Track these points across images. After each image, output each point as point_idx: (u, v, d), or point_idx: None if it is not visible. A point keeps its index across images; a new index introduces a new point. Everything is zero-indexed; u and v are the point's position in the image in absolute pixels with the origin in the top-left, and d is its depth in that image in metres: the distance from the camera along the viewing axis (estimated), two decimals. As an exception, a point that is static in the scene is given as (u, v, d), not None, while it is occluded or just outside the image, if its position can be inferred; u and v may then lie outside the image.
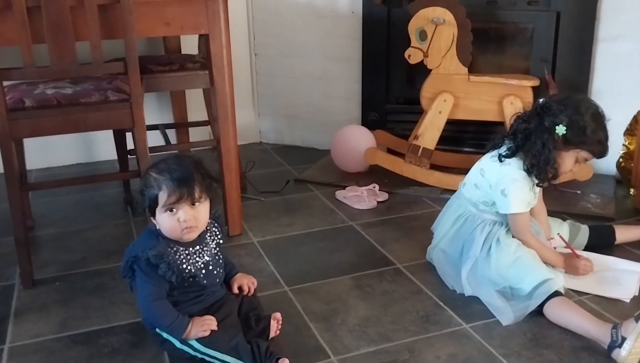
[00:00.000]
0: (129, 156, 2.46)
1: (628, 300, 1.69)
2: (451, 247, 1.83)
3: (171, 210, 1.39)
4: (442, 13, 2.39)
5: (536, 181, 1.71)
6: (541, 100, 1.76)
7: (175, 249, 1.42)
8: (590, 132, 1.64)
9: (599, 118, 1.67)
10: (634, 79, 2.41)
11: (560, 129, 1.64)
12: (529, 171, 1.69)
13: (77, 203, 2.51)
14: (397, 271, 1.90)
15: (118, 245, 2.11)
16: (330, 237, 2.15)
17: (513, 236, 1.74)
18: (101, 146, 2.96)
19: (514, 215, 1.71)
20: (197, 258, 1.45)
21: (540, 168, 1.67)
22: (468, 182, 1.84)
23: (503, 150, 1.73)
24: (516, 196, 1.69)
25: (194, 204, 1.41)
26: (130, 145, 2.32)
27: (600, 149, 1.68)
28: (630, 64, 2.46)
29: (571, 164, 1.70)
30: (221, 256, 1.53)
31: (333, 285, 1.82)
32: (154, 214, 1.42)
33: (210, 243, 1.50)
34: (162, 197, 1.38)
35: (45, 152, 2.89)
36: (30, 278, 1.85)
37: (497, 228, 1.75)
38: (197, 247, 1.46)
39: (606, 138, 1.68)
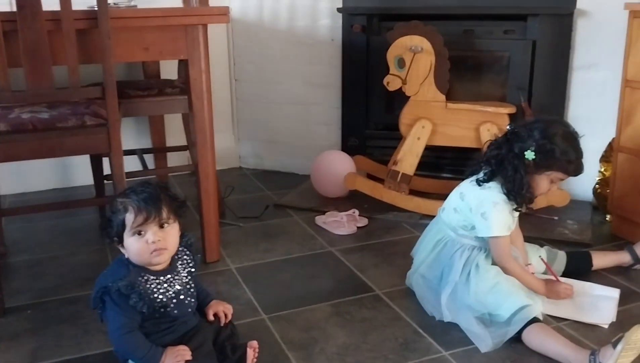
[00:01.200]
0: (105, 181, 2.43)
1: (606, 326, 1.69)
2: (430, 272, 1.83)
3: (139, 233, 1.36)
4: (419, 41, 2.43)
5: (514, 206, 1.72)
6: (509, 126, 1.78)
7: (146, 278, 1.39)
8: (559, 154, 1.66)
9: (568, 138, 1.69)
10: (609, 107, 2.46)
11: (529, 155, 1.66)
12: (507, 195, 1.70)
13: (52, 229, 2.46)
14: (377, 297, 1.88)
15: (93, 272, 2.05)
16: (309, 263, 2.14)
17: (493, 262, 1.74)
18: (78, 171, 2.92)
19: (496, 239, 1.71)
20: (169, 287, 1.41)
21: (516, 193, 1.68)
22: (447, 206, 1.84)
23: (481, 175, 1.75)
24: (497, 219, 1.70)
25: (162, 227, 1.38)
26: (107, 170, 2.29)
27: (573, 168, 1.70)
28: (604, 92, 2.51)
29: (546, 186, 1.72)
30: (193, 285, 1.50)
31: (312, 312, 1.80)
32: (122, 241, 1.39)
33: (181, 271, 1.47)
34: (129, 219, 1.35)
35: (20, 177, 2.84)
36: (2, 306, 1.80)
37: (476, 253, 1.75)
38: (169, 276, 1.43)
39: (578, 156, 1.69)
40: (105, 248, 2.28)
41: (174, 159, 3.03)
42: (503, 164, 1.69)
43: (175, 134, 2.98)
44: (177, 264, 1.47)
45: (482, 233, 1.72)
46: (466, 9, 2.66)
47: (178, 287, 1.44)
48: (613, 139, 2.34)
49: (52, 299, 1.89)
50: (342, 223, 2.43)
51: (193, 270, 1.50)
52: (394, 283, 1.96)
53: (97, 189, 2.46)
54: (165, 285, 1.41)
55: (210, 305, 1.55)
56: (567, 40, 2.54)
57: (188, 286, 1.47)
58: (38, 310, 1.83)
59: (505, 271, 1.72)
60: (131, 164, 2.37)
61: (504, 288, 1.67)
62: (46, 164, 2.88)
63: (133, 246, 1.37)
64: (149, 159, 2.93)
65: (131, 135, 2.97)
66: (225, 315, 1.54)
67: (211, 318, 1.52)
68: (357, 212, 2.51)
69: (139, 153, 2.67)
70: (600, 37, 2.49)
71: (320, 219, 2.50)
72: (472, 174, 1.80)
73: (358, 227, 2.43)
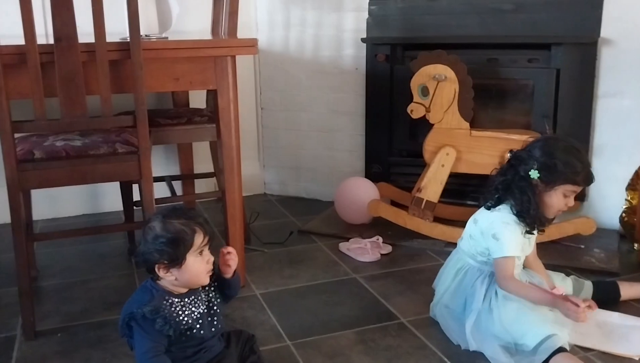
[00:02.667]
0: (134, 208, 2.48)
1: (637, 358, 1.66)
2: (453, 302, 1.83)
3: (200, 253, 1.41)
4: (443, 70, 2.45)
5: (527, 228, 1.72)
6: (509, 152, 1.79)
7: (170, 302, 1.41)
8: (562, 167, 1.67)
9: (569, 150, 1.70)
10: (634, 135, 2.45)
11: (534, 174, 1.68)
12: (517, 216, 1.71)
13: (82, 254, 2.51)
14: (401, 325, 1.88)
15: (121, 296, 2.11)
16: (333, 290, 2.15)
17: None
18: (107, 197, 2.99)
19: (504, 259, 1.70)
20: (193, 309, 1.44)
21: (528, 215, 1.69)
22: (465, 235, 1.86)
23: (489, 202, 1.78)
24: (509, 239, 1.70)
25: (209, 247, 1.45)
26: (136, 196, 2.34)
27: (582, 178, 1.69)
28: (630, 120, 2.50)
29: (561, 201, 1.71)
30: (217, 307, 1.51)
31: (336, 339, 1.80)
32: (177, 261, 1.38)
33: (201, 292, 1.49)
34: (198, 240, 1.40)
35: (52, 203, 2.91)
36: (32, 329, 1.84)
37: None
38: (192, 297, 1.45)
39: (584, 165, 1.69)
40: (133, 272, 2.32)
41: (201, 186, 3.08)
42: (510, 188, 1.72)
43: (203, 161, 3.04)
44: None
45: (496, 254, 1.72)
46: (490, 38, 2.68)
47: (202, 308, 1.46)
48: (639, 167, 2.32)
49: (81, 323, 1.93)
50: (366, 249, 2.44)
51: (215, 291, 1.52)
52: (419, 311, 1.96)
53: (126, 215, 2.51)
54: (190, 307, 1.43)
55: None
56: (591, 69, 2.54)
57: (211, 304, 1.49)
58: (67, 334, 1.87)
59: (510, 291, 1.69)
60: (160, 190, 2.42)
61: (529, 317, 1.66)
62: (77, 191, 2.95)
63: (194, 267, 1.40)
64: (177, 185, 2.98)
65: (160, 162, 3.03)
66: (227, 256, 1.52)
67: (226, 271, 1.51)
68: (380, 239, 2.52)
69: (168, 179, 2.73)
70: (625, 65, 2.49)
71: (344, 246, 2.51)
72: (485, 202, 1.81)
73: (382, 254, 2.44)
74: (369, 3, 2.88)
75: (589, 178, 1.70)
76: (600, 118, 2.58)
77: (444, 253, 2.34)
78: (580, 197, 2.64)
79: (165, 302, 1.40)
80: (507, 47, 2.67)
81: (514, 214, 1.72)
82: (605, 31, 2.49)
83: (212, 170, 2.87)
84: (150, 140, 1.94)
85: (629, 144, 2.49)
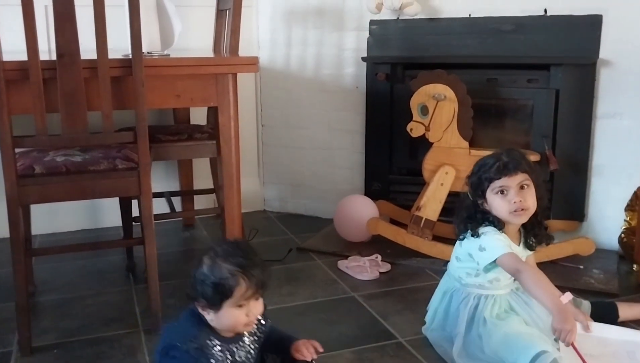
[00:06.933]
0: (133, 223, 2.48)
1: None
2: (443, 324, 1.83)
3: (240, 305, 1.33)
4: (443, 90, 2.47)
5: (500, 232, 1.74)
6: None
7: (213, 343, 1.36)
8: (478, 172, 1.74)
9: (484, 158, 1.76)
10: (633, 155, 2.45)
11: (467, 188, 1.79)
12: (490, 225, 1.74)
13: (80, 269, 2.51)
14: (399, 345, 1.87)
15: (119, 312, 2.11)
16: (331, 308, 2.14)
17: (499, 315, 1.74)
18: (106, 212, 2.99)
19: (501, 258, 1.69)
20: (232, 355, 1.38)
21: (486, 219, 1.74)
22: (452, 257, 1.87)
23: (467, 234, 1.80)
24: (492, 242, 1.70)
25: (257, 299, 1.37)
26: (135, 212, 2.34)
27: (496, 169, 1.70)
28: (629, 140, 2.51)
29: (503, 200, 1.71)
30: (254, 355, 1.44)
31: (334, 359, 1.79)
32: (215, 306, 1.33)
33: (247, 340, 1.43)
34: (239, 292, 1.31)
35: (51, 217, 2.91)
36: (29, 345, 1.83)
37: (482, 305, 1.75)
38: (235, 344, 1.40)
39: (496, 158, 1.72)
40: (131, 288, 2.31)
41: (201, 202, 3.08)
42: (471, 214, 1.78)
43: (202, 177, 3.04)
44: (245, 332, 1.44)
45: (488, 260, 1.70)
46: (489, 58, 2.70)
47: (241, 355, 1.40)
48: (638, 187, 2.32)
49: (77, 339, 1.92)
50: (364, 267, 2.44)
51: (261, 337, 1.48)
52: (417, 330, 1.95)
53: (125, 231, 2.51)
54: (227, 354, 1.38)
55: (297, 343, 1.50)
56: (590, 89, 2.56)
57: (249, 355, 1.43)
58: (64, 350, 1.86)
59: (521, 278, 1.66)
60: (159, 206, 2.42)
61: (517, 339, 1.63)
62: (76, 206, 2.95)
63: (229, 318, 1.34)
64: (177, 201, 2.98)
65: (160, 178, 3.04)
66: (316, 349, 1.48)
67: (299, 356, 1.47)
68: (379, 257, 2.51)
69: (167, 195, 2.73)
70: (624, 86, 2.50)
71: (342, 264, 2.51)
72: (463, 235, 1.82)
73: (381, 272, 2.43)
74: (369, 22, 2.90)
75: (501, 167, 1.69)
76: (599, 139, 2.59)
77: (442, 272, 2.31)
78: (580, 217, 2.65)
79: (209, 342, 1.35)
80: (506, 67, 2.69)
81: (487, 225, 1.74)
82: (604, 52, 2.51)
83: (211, 186, 2.88)
84: (150, 156, 1.95)
85: (628, 165, 2.49)
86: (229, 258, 1.33)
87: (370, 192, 2.99)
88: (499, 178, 1.70)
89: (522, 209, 1.70)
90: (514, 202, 1.69)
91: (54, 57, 1.73)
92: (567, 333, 1.53)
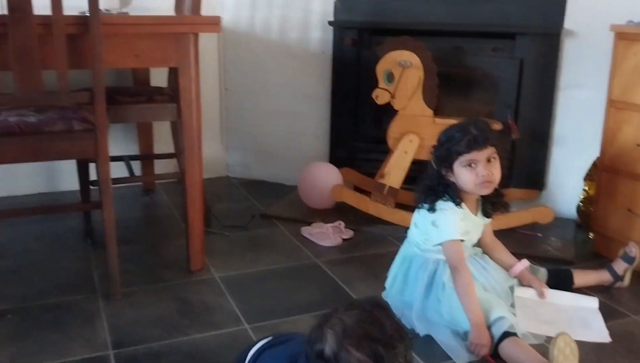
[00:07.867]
0: (91, 187, 2.42)
1: (609, 341, 1.71)
2: (402, 289, 1.85)
3: None
4: (409, 56, 2.45)
5: (458, 207, 1.75)
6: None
7: None
8: (446, 143, 1.73)
9: (452, 128, 1.76)
10: (594, 126, 2.49)
11: (432, 158, 1.78)
12: (450, 201, 1.75)
13: (37, 234, 2.44)
14: (360, 310, 1.88)
15: (76, 277, 2.06)
16: (294, 274, 2.14)
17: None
18: (64, 176, 2.91)
19: (449, 243, 1.72)
20: None
21: (447, 192, 1.75)
22: (411, 224, 1.89)
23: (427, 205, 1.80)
24: (447, 223, 1.73)
25: None
26: (93, 175, 2.28)
27: (465, 144, 1.69)
28: (590, 111, 2.54)
29: (470, 173, 1.71)
30: None
31: (295, 324, 1.79)
32: None
33: None
34: None
35: (6, 180, 2.82)
36: (-18, 310, 1.79)
37: (441, 270, 1.78)
38: None
39: (464, 133, 1.70)
40: (89, 254, 2.27)
41: (161, 167, 3.02)
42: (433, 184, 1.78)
43: (163, 141, 2.98)
44: None
45: (437, 240, 1.75)
46: (456, 26, 2.69)
47: None
48: (597, 158, 2.37)
49: (34, 304, 1.88)
50: (327, 234, 2.44)
51: None
52: (379, 296, 1.96)
53: (83, 195, 2.44)
54: None
55: None
56: (554, 60, 2.57)
57: None
58: (20, 315, 1.81)
59: (456, 278, 1.70)
60: (118, 170, 2.36)
61: None
62: (32, 168, 2.86)
63: None
64: (136, 166, 2.92)
65: (119, 141, 2.96)
66: None
67: None
68: (342, 224, 2.51)
69: (126, 159, 2.66)
70: (587, 58, 2.52)
71: (306, 230, 2.50)
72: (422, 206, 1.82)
73: (343, 239, 2.44)
74: (337, -14, 2.85)
75: (472, 142, 1.69)
76: (561, 109, 2.62)
77: (404, 239, 2.35)
78: (539, 186, 2.69)
79: None
80: (473, 35, 2.69)
81: (447, 200, 1.75)
82: (569, 23, 2.52)
83: (172, 151, 2.82)
84: (108, 118, 1.89)
85: (588, 136, 2.53)
86: (363, 342, 0.98)
87: (335, 159, 2.98)
88: (468, 152, 1.70)
89: (489, 182, 1.72)
90: (482, 175, 1.71)
91: (5, 12, 1.65)
92: (481, 347, 1.61)
